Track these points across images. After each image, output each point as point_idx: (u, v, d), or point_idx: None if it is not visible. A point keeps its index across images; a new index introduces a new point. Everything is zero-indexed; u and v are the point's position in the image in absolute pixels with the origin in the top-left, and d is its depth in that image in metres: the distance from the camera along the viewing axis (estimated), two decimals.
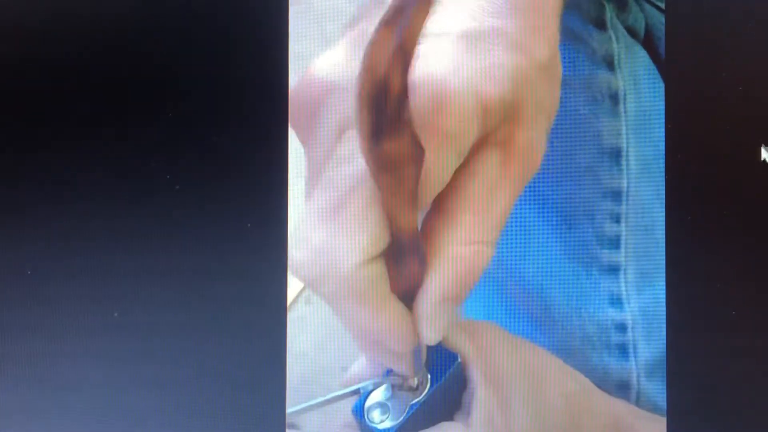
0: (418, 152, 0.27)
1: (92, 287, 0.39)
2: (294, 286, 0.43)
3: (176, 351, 0.39)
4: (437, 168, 0.29)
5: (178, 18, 0.40)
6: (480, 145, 0.30)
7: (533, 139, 0.31)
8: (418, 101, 0.28)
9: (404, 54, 0.25)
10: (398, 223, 0.29)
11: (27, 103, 0.40)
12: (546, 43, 0.32)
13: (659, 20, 0.41)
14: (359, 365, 0.35)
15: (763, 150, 0.36)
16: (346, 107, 0.26)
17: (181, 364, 0.39)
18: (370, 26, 0.25)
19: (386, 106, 0.25)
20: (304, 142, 0.33)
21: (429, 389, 0.34)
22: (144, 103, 0.39)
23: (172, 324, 0.39)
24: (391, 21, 0.24)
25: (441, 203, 0.31)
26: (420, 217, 0.31)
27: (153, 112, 0.39)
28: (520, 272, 0.41)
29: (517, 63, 0.30)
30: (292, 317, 0.40)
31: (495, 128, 0.30)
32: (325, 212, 0.29)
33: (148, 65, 0.40)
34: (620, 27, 0.40)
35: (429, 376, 0.35)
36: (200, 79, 0.39)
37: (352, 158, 0.29)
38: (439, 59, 0.29)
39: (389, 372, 0.34)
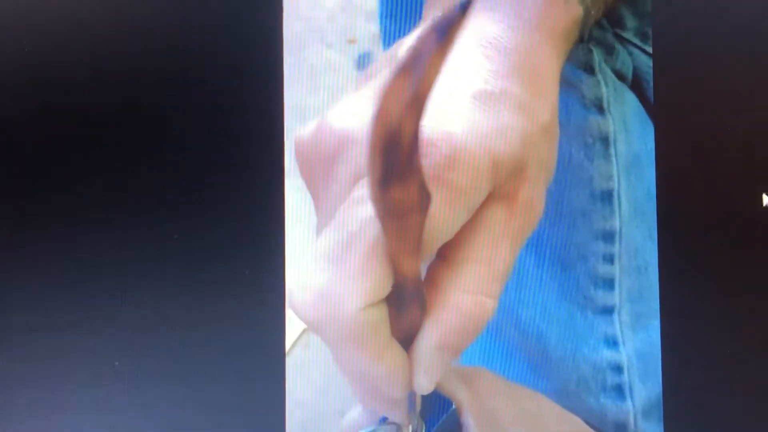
0: (424, 201, 0.28)
1: (92, 338, 0.39)
2: (292, 331, 0.44)
3: (175, 399, 0.39)
4: (446, 221, 0.29)
5: (171, 39, 0.40)
6: (486, 200, 0.31)
7: (535, 196, 0.32)
8: (432, 158, 0.29)
9: (418, 103, 0.25)
10: (402, 269, 0.29)
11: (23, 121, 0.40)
12: (549, 107, 0.33)
13: (646, 63, 0.42)
14: (354, 413, 0.35)
15: (765, 197, 0.37)
16: (363, 158, 0.26)
17: (179, 412, 0.39)
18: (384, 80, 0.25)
19: (397, 153, 0.25)
20: (315, 192, 0.33)
21: None
22: (134, 143, 0.40)
23: (170, 371, 0.39)
24: (407, 68, 0.24)
25: (445, 253, 0.31)
26: (424, 267, 0.32)
27: (146, 157, 0.40)
28: (515, 314, 0.41)
29: (524, 124, 0.31)
30: (290, 362, 0.41)
31: (501, 184, 0.31)
32: (330, 254, 0.29)
33: (143, 88, 0.40)
34: (608, 71, 0.40)
35: (424, 424, 0.35)
36: (190, 127, 0.40)
37: (361, 203, 0.30)
38: (454, 118, 0.30)
39: (384, 420, 0.34)
